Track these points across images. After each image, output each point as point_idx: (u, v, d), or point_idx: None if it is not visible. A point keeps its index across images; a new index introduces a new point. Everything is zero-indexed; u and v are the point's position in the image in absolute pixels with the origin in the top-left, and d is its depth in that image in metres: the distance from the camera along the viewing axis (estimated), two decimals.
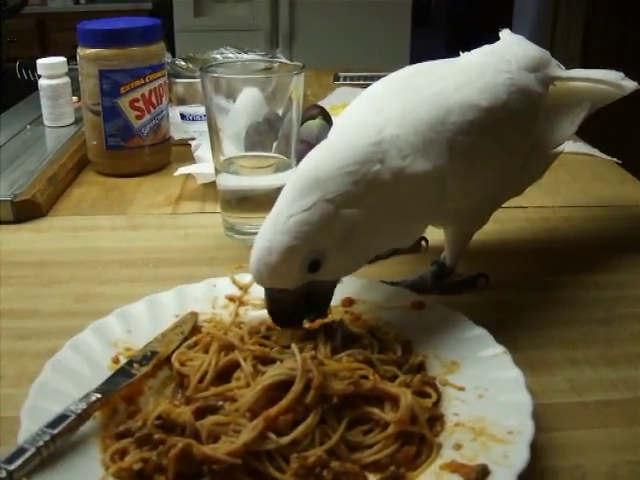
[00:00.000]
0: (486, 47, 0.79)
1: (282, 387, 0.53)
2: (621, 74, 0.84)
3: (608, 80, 0.83)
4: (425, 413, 0.54)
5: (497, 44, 0.81)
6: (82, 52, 1.09)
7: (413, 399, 0.54)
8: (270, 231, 0.59)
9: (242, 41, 1.65)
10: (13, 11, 1.76)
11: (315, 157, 0.62)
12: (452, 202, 0.67)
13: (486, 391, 0.57)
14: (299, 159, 0.88)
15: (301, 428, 0.51)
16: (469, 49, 0.80)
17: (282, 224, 0.59)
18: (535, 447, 0.51)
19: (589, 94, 0.82)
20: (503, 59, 0.74)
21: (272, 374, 0.54)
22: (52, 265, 0.84)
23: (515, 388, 0.56)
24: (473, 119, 0.66)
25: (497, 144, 0.69)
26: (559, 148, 0.79)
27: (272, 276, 0.59)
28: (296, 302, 0.61)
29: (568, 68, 0.82)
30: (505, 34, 0.83)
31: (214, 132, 0.86)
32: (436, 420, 0.55)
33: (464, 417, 0.55)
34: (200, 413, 0.53)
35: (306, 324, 0.63)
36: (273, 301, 0.61)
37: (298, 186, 0.60)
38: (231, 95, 0.85)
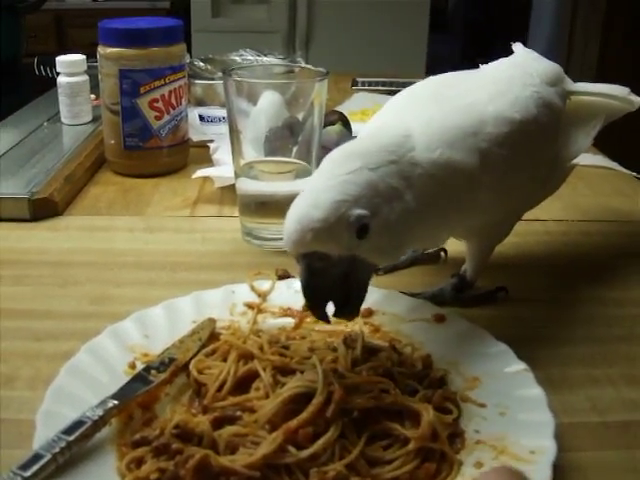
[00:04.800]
0: (504, 60, 0.80)
1: (302, 399, 0.52)
2: (627, 89, 0.85)
3: (618, 95, 0.84)
4: (446, 429, 0.53)
5: (513, 57, 0.81)
6: (103, 51, 1.08)
7: (434, 415, 0.53)
8: (312, 192, 0.56)
9: (259, 43, 1.65)
10: (33, 8, 1.76)
11: (348, 143, 0.61)
12: (482, 215, 0.67)
13: (507, 409, 0.56)
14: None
15: (321, 442, 0.50)
16: (485, 55, 0.79)
17: (326, 184, 0.56)
18: (557, 467, 0.50)
19: (602, 108, 0.82)
20: (526, 72, 0.74)
21: (292, 386, 0.53)
22: (68, 265, 0.84)
23: (537, 407, 0.55)
24: (507, 132, 0.66)
25: (527, 157, 0.69)
26: (574, 161, 0.79)
27: (318, 234, 0.55)
28: (334, 281, 0.57)
29: (585, 78, 0.83)
30: (518, 48, 0.84)
31: (235, 135, 0.85)
32: (457, 437, 0.54)
33: (485, 435, 0.54)
34: (218, 423, 0.53)
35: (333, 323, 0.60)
36: (311, 273, 0.56)
37: (337, 157, 0.58)
38: (252, 98, 0.84)
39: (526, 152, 0.69)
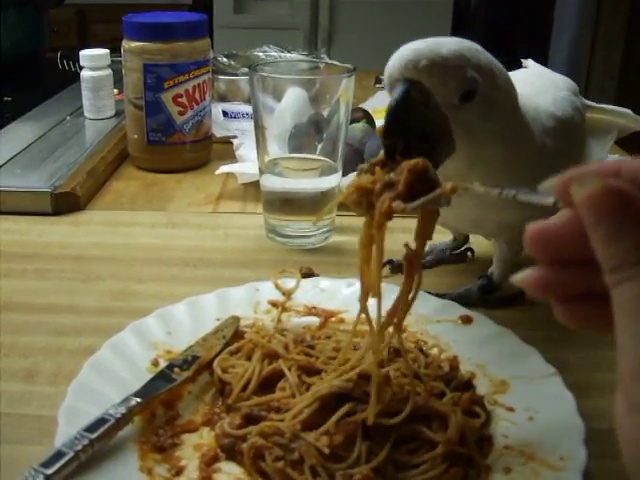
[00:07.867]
0: (523, 70, 0.82)
1: (334, 399, 0.52)
2: (629, 110, 0.88)
3: (628, 114, 0.87)
4: (474, 434, 0.52)
5: (530, 70, 0.83)
6: (127, 45, 1.08)
7: (462, 418, 0.52)
8: (434, 39, 0.57)
9: (281, 40, 1.64)
10: (56, 2, 1.75)
11: None
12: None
13: (536, 413, 0.55)
14: (345, 162, 0.86)
15: (359, 444, 0.49)
16: (507, 55, 0.82)
17: (451, 41, 0.57)
18: (587, 474, 0.49)
19: (614, 125, 0.85)
20: (551, 80, 0.76)
21: (329, 385, 0.52)
22: (90, 260, 0.83)
23: (566, 412, 0.54)
24: (554, 126, 0.67)
25: (566, 155, 0.69)
26: None
27: (433, 64, 0.54)
28: (420, 123, 0.53)
29: (608, 79, 0.84)
30: (530, 63, 0.86)
31: (260, 132, 0.84)
32: (484, 441, 0.53)
33: (513, 440, 0.53)
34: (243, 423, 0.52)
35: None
36: (404, 100, 0.52)
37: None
38: (278, 94, 0.83)
39: (566, 150, 0.69)
